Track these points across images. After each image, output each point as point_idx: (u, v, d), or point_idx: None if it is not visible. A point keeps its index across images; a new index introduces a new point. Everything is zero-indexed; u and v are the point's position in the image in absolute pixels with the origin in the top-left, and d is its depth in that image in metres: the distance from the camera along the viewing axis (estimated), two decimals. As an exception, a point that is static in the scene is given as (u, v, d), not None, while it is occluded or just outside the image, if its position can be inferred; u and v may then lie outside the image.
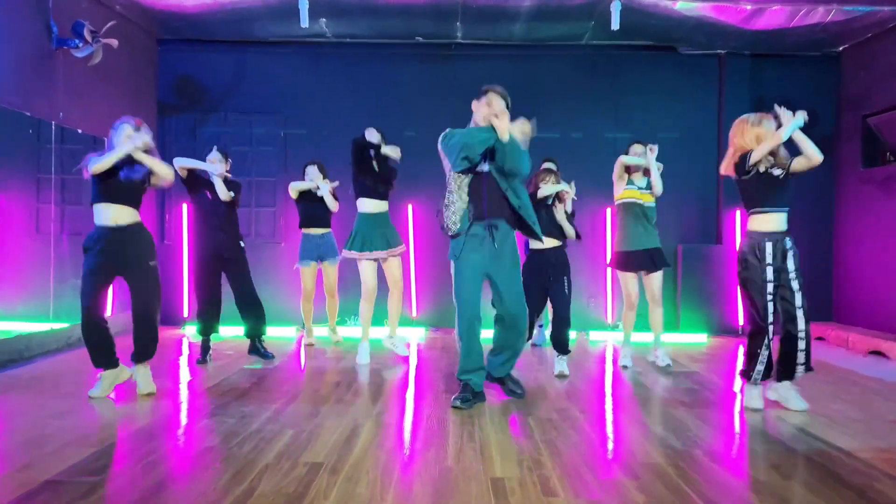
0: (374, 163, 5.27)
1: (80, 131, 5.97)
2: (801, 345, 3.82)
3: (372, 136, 5.35)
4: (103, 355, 3.97)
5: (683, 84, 7.53)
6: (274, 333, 6.60)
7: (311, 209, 6.00)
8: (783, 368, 3.89)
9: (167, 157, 7.02)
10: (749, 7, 6.01)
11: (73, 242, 6.18)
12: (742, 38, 6.79)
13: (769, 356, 3.89)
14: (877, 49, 6.78)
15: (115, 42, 5.66)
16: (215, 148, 5.34)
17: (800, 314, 3.82)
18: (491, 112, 3.86)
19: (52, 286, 5.73)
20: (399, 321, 5.59)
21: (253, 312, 5.38)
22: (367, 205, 5.26)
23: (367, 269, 5.23)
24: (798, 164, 3.82)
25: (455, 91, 7.48)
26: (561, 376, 4.86)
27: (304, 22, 5.95)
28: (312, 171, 6.01)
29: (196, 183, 5.21)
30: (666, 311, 7.27)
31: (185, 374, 4.91)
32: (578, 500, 2.54)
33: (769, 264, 3.82)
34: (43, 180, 6.38)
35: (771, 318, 3.83)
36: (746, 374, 3.98)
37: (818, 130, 7.48)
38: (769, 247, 3.82)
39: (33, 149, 6.26)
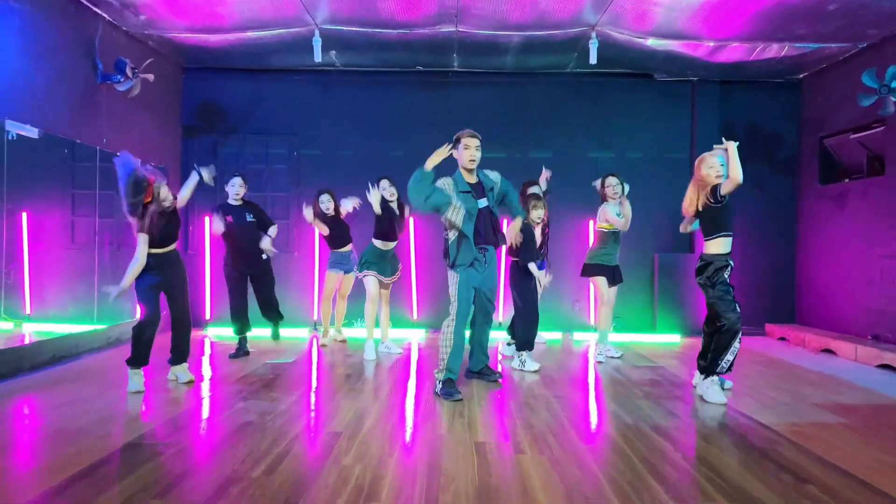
0: (393, 220, 6.21)
1: (118, 154, 6.71)
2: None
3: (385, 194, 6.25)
4: (147, 356, 4.71)
5: (659, 107, 8.28)
6: (289, 334, 7.36)
7: (339, 232, 6.79)
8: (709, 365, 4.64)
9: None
10: (712, 44, 6.76)
11: (111, 252, 6.93)
12: (710, 68, 7.56)
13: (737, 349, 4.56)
14: (832, 77, 7.53)
15: (151, 76, 6.43)
16: (239, 176, 6.15)
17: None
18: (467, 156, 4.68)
19: (96, 292, 6.47)
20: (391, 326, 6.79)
21: (274, 317, 6.24)
22: (380, 244, 6.19)
23: (372, 282, 6.16)
24: (725, 187, 4.43)
25: (451, 114, 8.30)
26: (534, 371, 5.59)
27: (318, 57, 6.70)
28: (326, 198, 6.68)
29: (222, 212, 6.00)
30: (643, 314, 8.11)
31: (216, 368, 5.65)
32: (542, 457, 3.28)
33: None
34: (77, 196, 7.15)
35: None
36: (710, 370, 4.60)
37: (782, 151, 8.29)
38: (730, 267, 4.54)
39: (68, 167, 7.03)
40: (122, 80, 6.21)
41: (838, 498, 2.81)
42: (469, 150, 4.65)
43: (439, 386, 4.62)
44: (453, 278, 4.71)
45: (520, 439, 3.57)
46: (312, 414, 4.09)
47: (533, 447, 3.43)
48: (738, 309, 4.52)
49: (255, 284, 6.15)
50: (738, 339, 4.54)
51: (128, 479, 2.92)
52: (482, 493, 2.81)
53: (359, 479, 2.94)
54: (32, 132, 5.39)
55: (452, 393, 4.52)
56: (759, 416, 4.14)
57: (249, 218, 6.02)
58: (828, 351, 6.78)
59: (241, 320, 6.11)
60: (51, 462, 3.17)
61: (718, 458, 3.33)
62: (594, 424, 3.96)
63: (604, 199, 6.06)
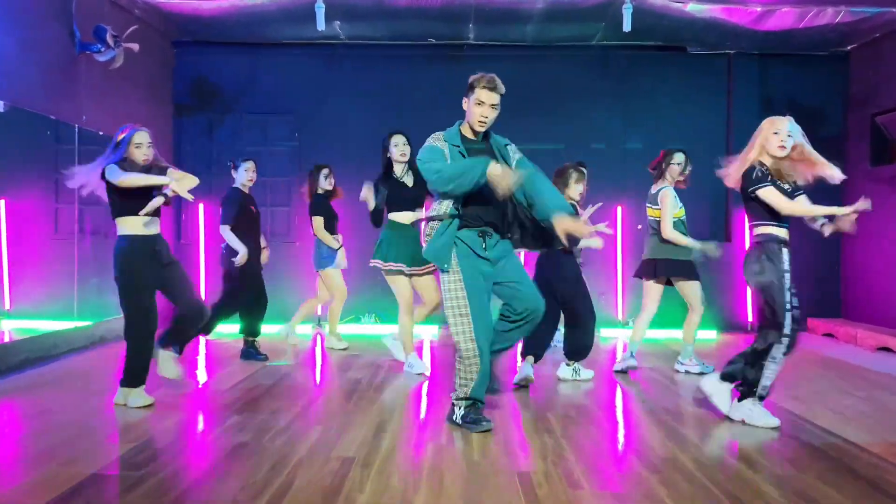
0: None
1: (100, 133, 6.08)
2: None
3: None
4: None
5: (693, 84, 7.61)
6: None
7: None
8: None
9: (183, 158, 7.23)
10: (759, 8, 6.09)
11: (94, 242, 6.30)
12: (752, 38, 6.88)
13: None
14: (885, 48, 6.86)
15: (135, 46, 5.78)
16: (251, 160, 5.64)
17: None
18: (481, 112, 3.44)
19: (76, 286, 5.85)
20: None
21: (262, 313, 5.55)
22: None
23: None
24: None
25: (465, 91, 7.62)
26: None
27: (321, 25, 6.05)
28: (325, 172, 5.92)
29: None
30: (675, 308, 7.44)
31: (210, 373, 5.03)
32: (603, 492, 2.65)
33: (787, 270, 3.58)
34: (61, 182, 6.51)
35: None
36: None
37: (826, 129, 7.61)
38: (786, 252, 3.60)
39: (51, 150, 6.38)
40: (102, 49, 5.56)
41: None
42: (481, 107, 3.45)
43: (460, 412, 3.53)
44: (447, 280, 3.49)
45: (571, 467, 2.93)
46: (321, 430, 3.46)
47: (588, 478, 2.80)
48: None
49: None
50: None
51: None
52: (539, 548, 2.18)
53: (380, 528, 2.32)
54: (-3, 105, 4.76)
55: (479, 420, 3.48)
56: (845, 432, 3.50)
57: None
58: (886, 349, 6.14)
59: (254, 318, 5.47)
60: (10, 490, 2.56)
61: (817, 489, 2.70)
62: (654, 445, 3.31)
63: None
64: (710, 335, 7.12)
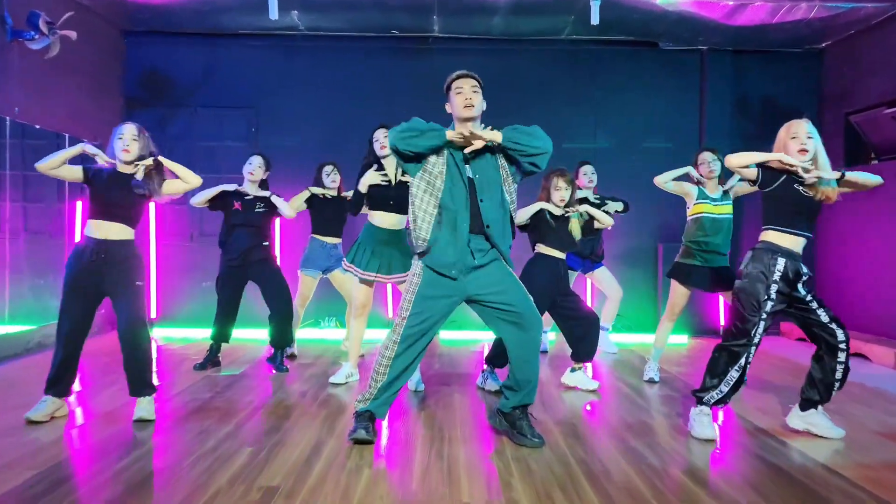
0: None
1: (37, 126, 5.71)
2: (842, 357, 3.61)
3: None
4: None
5: (664, 80, 7.38)
6: (246, 335, 6.36)
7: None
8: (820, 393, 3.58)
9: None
10: (731, 2, 5.87)
11: (32, 242, 5.95)
12: (724, 33, 6.66)
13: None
14: (860, 46, 6.68)
15: (73, 34, 5.41)
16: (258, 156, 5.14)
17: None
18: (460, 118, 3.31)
19: (7, 288, 5.49)
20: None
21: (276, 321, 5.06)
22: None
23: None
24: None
25: (433, 86, 7.20)
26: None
27: (274, 14, 5.74)
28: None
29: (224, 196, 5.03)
30: (646, 312, 7.24)
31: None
32: (548, 529, 2.39)
33: (775, 282, 3.46)
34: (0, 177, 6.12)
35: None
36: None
37: (800, 128, 7.43)
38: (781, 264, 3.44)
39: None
40: (35, 37, 5.19)
41: None
42: (462, 94, 3.28)
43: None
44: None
45: (517, 497, 2.67)
46: (250, 452, 3.16)
47: (535, 510, 2.54)
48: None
49: (260, 285, 5.07)
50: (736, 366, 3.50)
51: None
52: None
53: (288, 579, 2.03)
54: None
55: (357, 428, 3.30)
56: (815, 452, 3.28)
57: (259, 209, 5.01)
58: (859, 355, 5.96)
59: (223, 324, 5.11)
60: None
61: (784, 524, 2.46)
62: (613, 471, 3.05)
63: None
64: (682, 340, 6.92)
